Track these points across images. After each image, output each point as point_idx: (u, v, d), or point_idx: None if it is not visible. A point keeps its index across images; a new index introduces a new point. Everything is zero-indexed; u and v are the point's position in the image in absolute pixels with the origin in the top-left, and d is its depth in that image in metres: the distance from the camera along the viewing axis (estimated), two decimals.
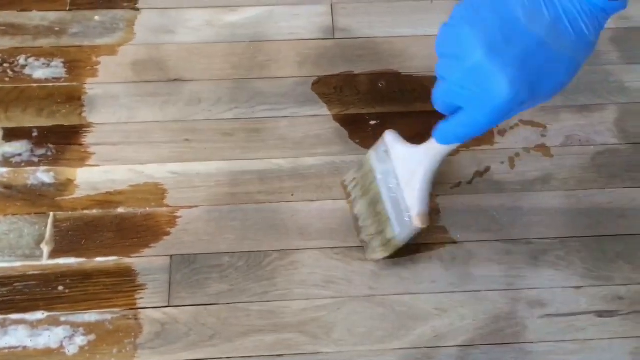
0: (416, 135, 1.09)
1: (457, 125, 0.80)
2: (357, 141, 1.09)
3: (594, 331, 0.93)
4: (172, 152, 1.07)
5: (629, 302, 0.96)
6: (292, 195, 1.04)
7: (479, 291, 0.97)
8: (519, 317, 0.95)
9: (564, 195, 1.04)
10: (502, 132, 1.10)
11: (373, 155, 0.97)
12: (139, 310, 0.94)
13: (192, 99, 1.12)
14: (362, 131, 1.10)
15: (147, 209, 1.02)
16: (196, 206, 1.02)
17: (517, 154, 1.08)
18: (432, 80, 1.09)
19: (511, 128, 1.10)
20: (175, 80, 1.14)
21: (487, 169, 1.07)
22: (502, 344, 0.93)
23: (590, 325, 0.94)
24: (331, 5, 1.23)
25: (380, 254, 0.96)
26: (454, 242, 1.00)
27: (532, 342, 0.93)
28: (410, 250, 0.98)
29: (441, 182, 1.03)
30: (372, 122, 1.11)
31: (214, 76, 1.15)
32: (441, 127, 0.84)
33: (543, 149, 1.09)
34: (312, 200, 1.03)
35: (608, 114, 1.12)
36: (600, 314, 0.95)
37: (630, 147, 1.09)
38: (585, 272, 0.98)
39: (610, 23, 1.17)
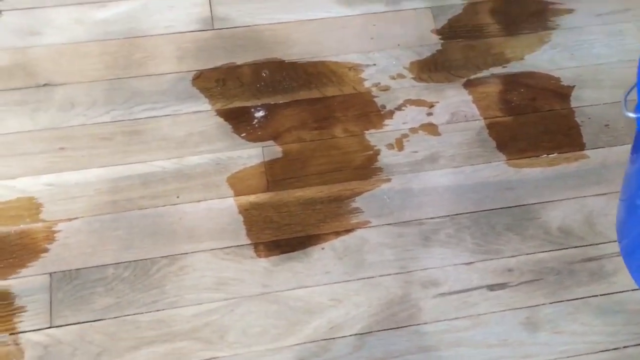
0: (302, 124, 1.08)
1: None
2: (243, 135, 1.06)
3: (486, 305, 0.95)
4: (46, 162, 1.00)
5: (518, 273, 0.98)
6: (178, 197, 1.00)
7: (373, 277, 0.96)
8: (412, 299, 0.95)
9: (451, 172, 1.05)
10: (389, 115, 1.09)
11: None
12: (19, 334, 0.88)
13: (64, 104, 1.06)
14: (247, 124, 1.07)
15: (22, 225, 0.95)
16: (76, 218, 0.96)
17: (405, 135, 1.08)
18: (316, 65, 1.08)
19: (397, 109, 1.10)
20: (45, 85, 1.07)
21: (377, 153, 1.07)
22: (397, 327, 0.92)
23: (483, 299, 0.95)
24: None
25: None
26: (346, 230, 1.00)
27: (426, 323, 0.93)
28: (303, 242, 0.98)
29: (327, 171, 1.02)
30: (258, 114, 1.08)
31: (88, 78, 1.08)
32: None
33: (430, 127, 1.09)
34: (199, 201, 0.99)
35: (491, 87, 1.13)
36: (491, 287, 0.96)
37: (513, 119, 1.10)
38: (475, 248, 0.99)
39: None
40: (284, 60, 1.13)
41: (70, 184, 0.99)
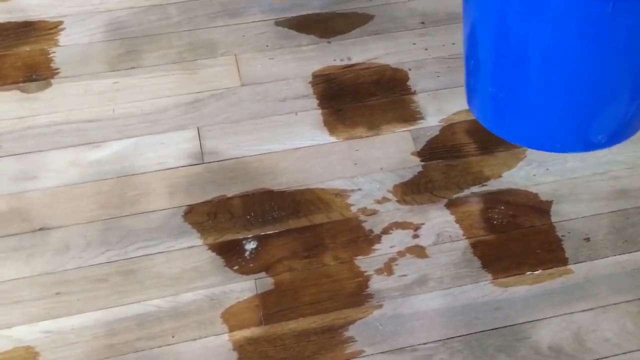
0: (292, 254, 1.11)
1: None
2: (235, 268, 1.08)
3: None
4: (43, 309, 1.02)
5: None
6: (174, 337, 1.01)
7: None
8: None
9: (441, 295, 1.07)
10: (377, 239, 1.12)
11: None
12: None
13: (60, 248, 1.08)
14: (239, 257, 1.09)
15: None
16: None
17: (394, 259, 1.11)
18: (303, 193, 1.12)
19: (384, 233, 1.13)
20: (40, 229, 1.09)
21: (368, 279, 1.10)
22: None
23: None
24: (198, 129, 1.24)
25: None
26: None
27: None
28: None
29: (319, 301, 1.04)
30: (249, 246, 1.11)
31: (82, 219, 1.12)
32: None
33: (417, 250, 1.12)
34: (194, 339, 1.01)
35: (472, 206, 1.17)
36: None
37: (496, 237, 1.11)
38: None
39: (464, 115, 1.26)
40: (273, 190, 1.18)
41: (67, 329, 1.00)
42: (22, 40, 1.35)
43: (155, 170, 1.17)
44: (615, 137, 1.13)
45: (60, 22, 1.38)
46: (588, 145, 1.14)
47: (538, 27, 1.02)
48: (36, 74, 1.30)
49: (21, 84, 1.29)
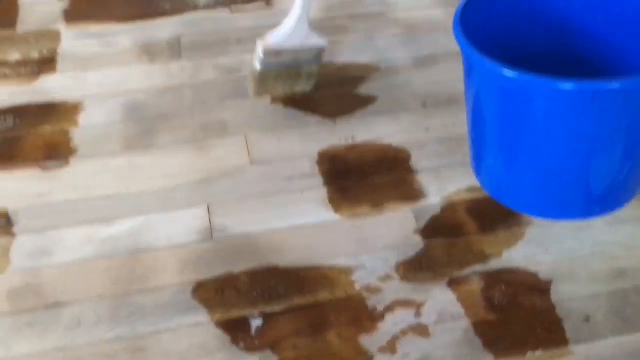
0: (297, 332, 1.13)
1: None
2: (241, 345, 1.10)
3: None
4: None
5: None
6: None
7: None
8: None
9: None
10: (380, 317, 1.14)
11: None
12: None
13: (71, 323, 1.11)
14: (245, 334, 1.11)
15: None
16: None
17: (397, 337, 1.12)
18: (308, 270, 1.15)
19: (388, 311, 1.15)
20: (54, 305, 1.13)
21: (371, 357, 1.10)
22: None
23: None
24: (207, 207, 1.29)
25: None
26: None
27: None
28: None
29: None
30: (255, 324, 1.13)
31: (94, 295, 1.15)
32: None
33: (420, 329, 1.14)
34: None
35: (474, 285, 1.20)
36: None
37: (497, 317, 1.13)
38: None
39: (464, 194, 1.30)
40: (279, 267, 1.21)
41: None
42: (43, 121, 1.43)
43: (165, 247, 1.21)
44: (607, 206, 1.26)
45: (81, 104, 1.46)
46: (584, 213, 1.26)
47: (529, 111, 1.15)
48: (56, 153, 1.37)
49: (41, 162, 1.35)
